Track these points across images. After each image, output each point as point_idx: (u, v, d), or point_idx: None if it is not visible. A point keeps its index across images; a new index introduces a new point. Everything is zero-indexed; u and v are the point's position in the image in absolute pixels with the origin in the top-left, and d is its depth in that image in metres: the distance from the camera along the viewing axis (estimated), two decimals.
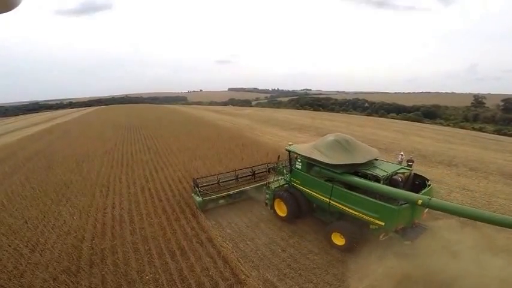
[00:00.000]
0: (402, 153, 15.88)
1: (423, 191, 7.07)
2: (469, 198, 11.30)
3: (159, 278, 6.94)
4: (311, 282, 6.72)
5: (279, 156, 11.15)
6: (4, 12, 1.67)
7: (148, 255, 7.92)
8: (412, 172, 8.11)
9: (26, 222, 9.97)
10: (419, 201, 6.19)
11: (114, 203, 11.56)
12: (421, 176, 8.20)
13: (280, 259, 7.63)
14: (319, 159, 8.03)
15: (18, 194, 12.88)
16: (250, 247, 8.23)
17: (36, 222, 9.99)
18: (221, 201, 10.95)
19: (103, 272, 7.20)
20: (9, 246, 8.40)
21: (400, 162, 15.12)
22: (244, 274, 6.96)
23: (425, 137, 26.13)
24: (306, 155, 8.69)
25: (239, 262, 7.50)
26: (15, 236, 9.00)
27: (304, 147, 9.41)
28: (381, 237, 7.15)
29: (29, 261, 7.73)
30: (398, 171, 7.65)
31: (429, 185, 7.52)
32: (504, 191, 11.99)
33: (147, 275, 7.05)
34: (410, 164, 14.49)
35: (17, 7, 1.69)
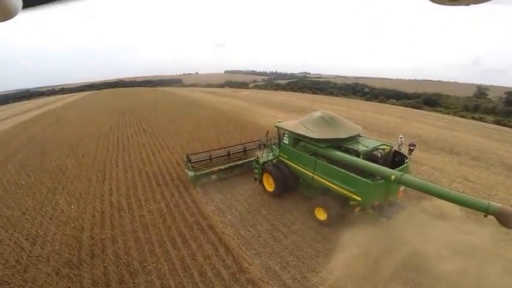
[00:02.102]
0: (401, 135, 15.67)
1: (399, 168, 7.15)
2: (470, 190, 11.07)
3: (161, 268, 6.88)
4: (313, 270, 6.67)
5: (267, 132, 11.51)
6: (3, 20, 1.68)
7: (149, 244, 7.84)
8: (393, 149, 8.29)
9: (24, 214, 9.75)
10: (392, 177, 6.33)
11: (111, 189, 11.36)
12: (401, 153, 8.47)
13: (282, 246, 7.57)
14: (304, 134, 8.41)
15: (14, 183, 12.59)
16: (252, 234, 8.16)
17: (34, 213, 9.78)
18: (213, 177, 11.39)
19: (105, 264, 7.11)
20: (10, 240, 8.22)
21: (399, 146, 14.92)
22: (246, 262, 6.91)
23: (427, 123, 25.71)
24: (292, 130, 9.09)
25: (241, 249, 7.45)
26: (14, 229, 8.81)
27: (292, 123, 9.77)
28: (356, 210, 7.56)
29: (30, 254, 7.60)
30: (379, 147, 7.87)
31: (407, 162, 7.67)
32: (505, 184, 11.73)
33: (149, 265, 6.98)
34: (412, 148, 14.43)
35: (17, 15, 1.69)
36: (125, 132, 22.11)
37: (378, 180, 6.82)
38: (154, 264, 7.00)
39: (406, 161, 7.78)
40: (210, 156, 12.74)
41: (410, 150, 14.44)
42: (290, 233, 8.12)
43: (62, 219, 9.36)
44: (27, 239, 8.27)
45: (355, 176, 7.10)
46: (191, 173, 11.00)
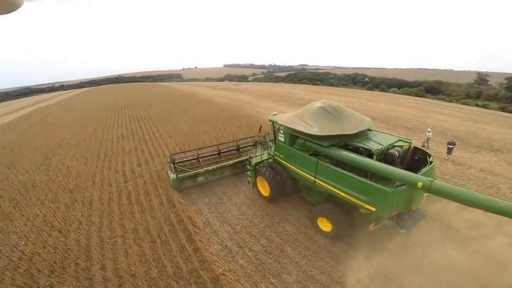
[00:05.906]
0: (429, 129, 14.07)
1: (423, 170, 5.78)
2: None
3: None
4: None
5: (260, 127, 10.17)
6: (6, 13, 1.70)
7: None
8: (412, 145, 6.86)
9: None
10: (419, 184, 4.90)
11: (80, 217, 8.63)
12: (421, 149, 7.04)
13: None
14: (302, 130, 6.97)
15: None
16: None
17: None
18: (200, 179, 10.10)
19: None
20: None
21: (426, 141, 13.42)
22: None
23: (447, 115, 23.62)
24: (287, 125, 7.63)
25: None
26: None
27: (287, 116, 8.33)
28: (370, 227, 6.16)
29: None
30: (395, 144, 6.49)
31: (431, 162, 6.21)
32: None
33: None
34: (451, 147, 12.19)
35: (19, 8, 1.72)
36: (110, 135, 19.27)
37: (397, 187, 5.43)
38: None
39: (429, 159, 6.30)
40: (198, 156, 11.19)
41: (450, 149, 12.38)
42: (332, 284, 5.54)
43: (12, 258, 6.95)
44: None
45: (369, 182, 5.67)
46: (172, 175, 9.70)
